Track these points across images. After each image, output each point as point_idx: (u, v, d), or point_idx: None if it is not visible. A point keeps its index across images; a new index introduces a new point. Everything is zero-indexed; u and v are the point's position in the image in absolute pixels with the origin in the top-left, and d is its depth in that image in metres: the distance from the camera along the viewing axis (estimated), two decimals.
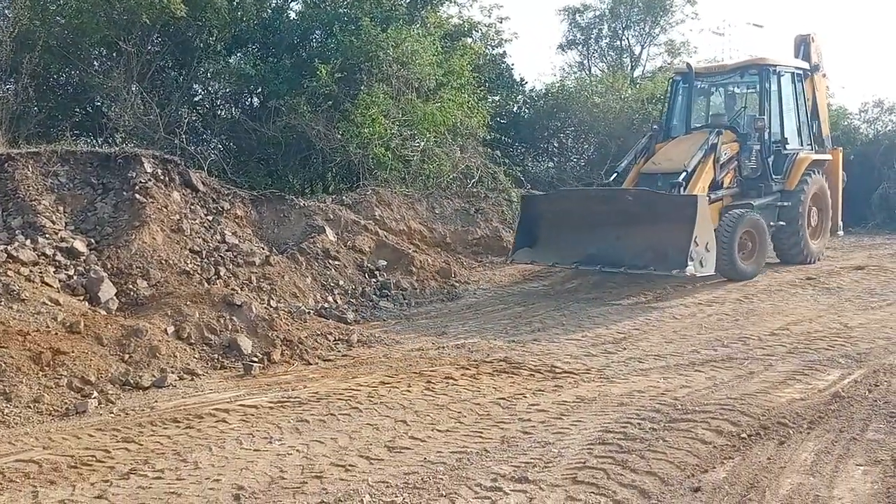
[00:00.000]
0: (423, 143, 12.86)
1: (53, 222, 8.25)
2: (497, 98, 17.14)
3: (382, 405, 5.99)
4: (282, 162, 12.93)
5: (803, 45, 13.46)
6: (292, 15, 14.44)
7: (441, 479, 4.56)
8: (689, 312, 9.22)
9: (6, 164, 8.79)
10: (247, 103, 14.19)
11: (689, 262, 9.14)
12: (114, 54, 12.52)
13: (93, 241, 8.37)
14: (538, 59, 49.86)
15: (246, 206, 10.24)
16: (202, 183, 9.98)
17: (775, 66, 12.12)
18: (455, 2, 15.62)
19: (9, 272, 7.15)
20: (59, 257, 7.72)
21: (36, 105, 12.16)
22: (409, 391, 6.35)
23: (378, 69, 12.66)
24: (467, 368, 7.02)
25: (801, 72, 12.79)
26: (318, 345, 7.82)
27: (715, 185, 11.17)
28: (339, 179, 13.64)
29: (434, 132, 13.00)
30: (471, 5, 17.85)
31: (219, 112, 14.21)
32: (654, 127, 12.52)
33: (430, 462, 4.82)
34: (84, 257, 7.98)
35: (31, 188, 8.55)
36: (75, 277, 7.65)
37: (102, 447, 5.19)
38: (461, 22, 15.78)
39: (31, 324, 6.73)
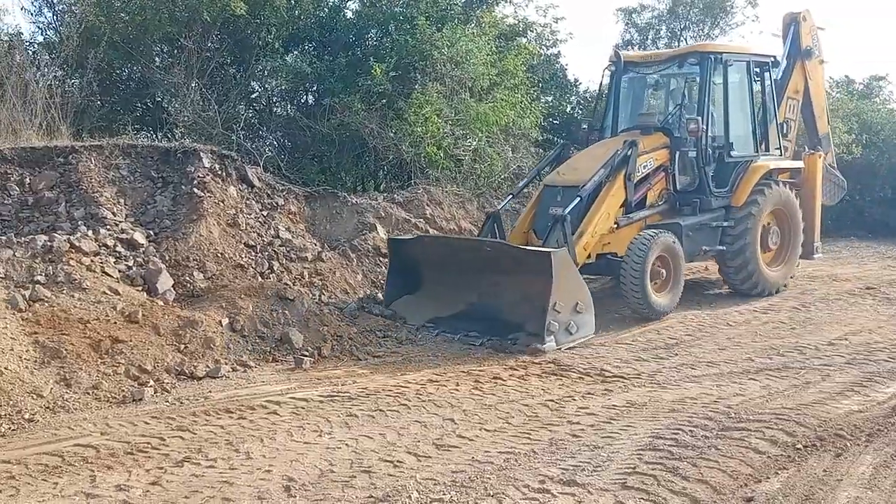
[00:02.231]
0: (475, 143, 12.84)
1: (114, 214, 8.46)
2: (550, 99, 17.01)
3: (430, 403, 6.02)
4: (335, 159, 13.04)
5: (793, 26, 11.53)
6: (349, 14, 14.53)
7: (489, 478, 4.56)
8: (744, 319, 9.04)
9: (70, 157, 9.04)
10: (302, 101, 14.33)
11: (548, 337, 7.44)
12: (175, 51, 12.76)
13: (152, 233, 8.56)
14: (593, 59, 49.40)
15: (299, 203, 10.35)
16: (258, 178, 10.13)
17: (719, 54, 9.94)
18: (511, 2, 15.54)
19: (71, 262, 7.36)
20: (119, 248, 7.93)
21: (99, 99, 12.47)
22: (457, 390, 6.37)
23: (432, 68, 12.67)
24: (515, 369, 7.01)
25: (762, 61, 10.54)
26: (368, 341, 7.89)
27: (636, 205, 9.27)
28: (390, 177, 13.69)
29: (486, 132, 12.96)
30: (526, 5, 17.76)
31: (275, 109, 14.37)
32: (584, 128, 10.86)
33: (478, 461, 4.83)
34: (143, 249, 8.17)
35: (93, 180, 8.78)
36: (134, 268, 7.84)
37: (158, 435, 5.32)
38: (516, 22, 15.69)
39: (91, 312, 6.92)
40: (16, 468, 4.74)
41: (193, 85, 12.14)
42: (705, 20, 20.58)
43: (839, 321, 8.87)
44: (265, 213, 9.76)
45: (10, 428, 5.46)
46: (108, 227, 8.17)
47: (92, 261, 7.51)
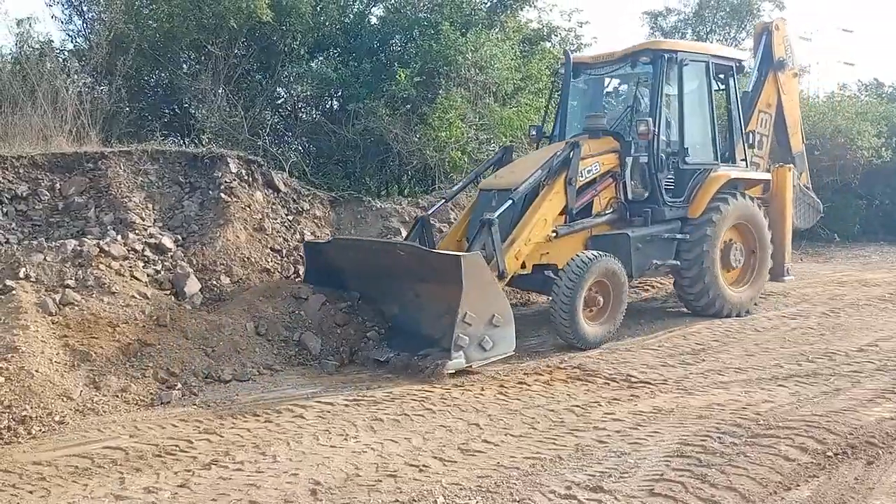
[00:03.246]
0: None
1: (143, 219, 8.57)
2: (575, 103, 16.97)
3: (455, 407, 6.01)
4: (359, 164, 13.10)
5: (765, 36, 10.87)
6: (373, 20, 14.61)
7: (514, 484, 4.55)
8: (772, 325, 8.94)
9: (100, 162, 9.16)
10: (327, 106, 14.41)
11: (455, 353, 6.67)
12: (202, 58, 12.90)
13: (179, 237, 8.66)
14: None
15: (324, 207, 10.42)
16: (283, 184, 10.21)
17: (674, 52, 9.06)
18: (535, 6, 15.53)
19: (100, 266, 7.46)
20: (147, 253, 8.02)
21: (128, 106, 12.62)
22: (482, 394, 6.36)
23: (457, 73, 12.70)
24: (540, 374, 6.98)
25: (724, 64, 9.70)
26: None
27: (579, 213, 8.50)
28: (414, 182, 13.73)
29: (510, 136, 12.97)
30: (550, 10, 17.77)
31: (300, 114, 14.48)
32: (532, 133, 10.10)
33: (504, 466, 4.81)
34: (171, 253, 8.26)
35: (122, 185, 8.90)
36: (162, 272, 7.93)
37: (185, 437, 5.36)
38: (540, 26, 15.68)
39: (120, 316, 7.01)
40: (46, 469, 4.81)
41: (220, 91, 12.27)
42: (731, 23, 20.45)
43: (869, 327, 8.73)
44: (291, 217, 9.84)
45: (40, 430, 5.55)
46: (136, 231, 8.27)
47: (121, 265, 7.60)
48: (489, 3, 14.97)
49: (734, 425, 5.43)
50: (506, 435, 5.40)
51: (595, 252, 8.05)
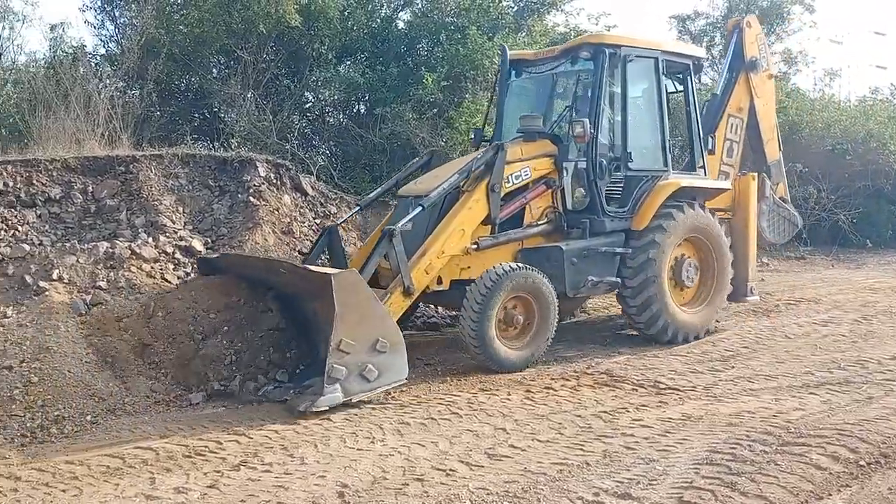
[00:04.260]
0: None
1: (173, 222, 8.67)
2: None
3: (482, 412, 6.00)
4: (386, 168, 13.17)
5: (735, 34, 10.09)
6: (401, 24, 14.72)
7: (541, 489, 4.53)
8: (803, 332, 8.82)
9: (131, 166, 9.29)
10: (354, 110, 14.53)
11: (329, 386, 5.89)
12: (231, 62, 13.09)
13: (209, 240, 8.76)
14: None
15: (351, 210, 10.47)
16: (311, 187, 10.28)
17: (616, 46, 8.16)
18: (562, 10, 15.55)
19: (132, 268, 7.56)
20: (178, 255, 8.11)
21: (158, 110, 12.83)
22: (508, 399, 6.34)
23: (483, 77, 12.73)
24: (567, 379, 6.95)
25: (678, 62, 8.77)
26: (417, 348, 7.90)
27: (507, 223, 7.73)
28: None
29: None
30: (577, 13, 17.71)
31: (327, 119, 14.62)
32: (471, 137, 9.33)
33: (531, 472, 4.80)
34: (201, 256, 8.34)
35: (153, 189, 9.01)
36: (192, 274, 8.01)
37: (215, 439, 5.41)
38: (567, 30, 15.68)
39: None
40: (79, 469, 4.87)
41: (249, 95, 12.42)
42: (761, 27, 20.21)
43: None
44: (318, 221, 9.90)
45: (73, 430, 5.64)
46: (167, 234, 8.37)
47: (152, 267, 7.70)
48: (516, 8, 15.01)
49: (765, 433, 5.37)
50: (532, 440, 5.38)
51: (513, 265, 7.27)
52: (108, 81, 11.92)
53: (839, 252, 15.53)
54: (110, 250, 7.59)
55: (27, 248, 7.66)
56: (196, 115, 14.01)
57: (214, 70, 13.64)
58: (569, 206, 8.05)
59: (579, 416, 5.89)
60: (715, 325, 8.83)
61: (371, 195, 8.89)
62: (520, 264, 7.34)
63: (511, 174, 7.72)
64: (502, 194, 7.61)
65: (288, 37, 13.18)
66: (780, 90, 16.78)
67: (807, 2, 19.76)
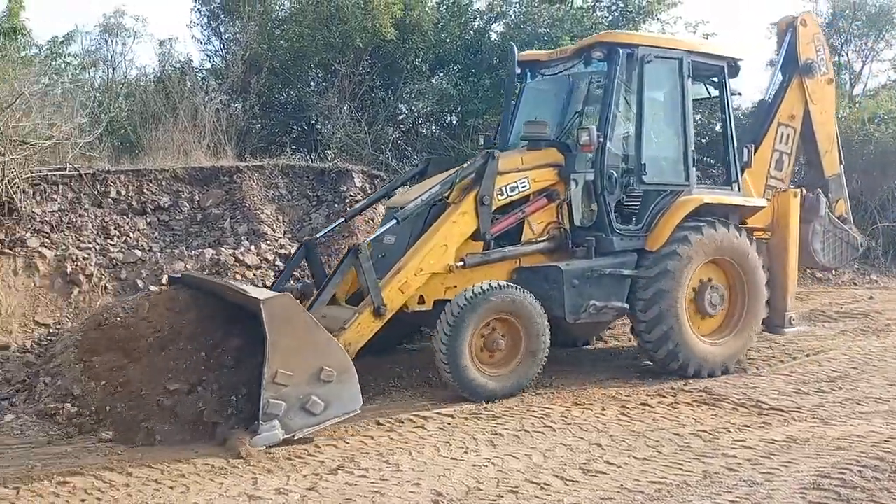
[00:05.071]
0: None
1: (274, 230, 8.98)
2: (698, 117, 16.51)
3: (576, 426, 5.94)
4: None
5: (789, 34, 9.01)
6: (493, 36, 14.77)
7: None
8: None
9: (235, 176, 9.69)
10: (446, 122, 14.67)
11: (265, 423, 5.31)
12: (329, 76, 13.44)
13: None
14: (748, 75, 47.30)
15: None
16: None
17: (634, 46, 7.38)
18: (658, 19, 15.26)
19: (236, 274, 7.86)
20: (278, 262, 8.38)
21: (260, 122, 13.29)
22: (603, 414, 6.25)
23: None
24: (664, 396, 6.80)
25: (710, 63, 7.91)
26: None
27: (501, 238, 7.11)
28: None
29: None
30: (674, 22, 17.33)
31: (420, 130, 14.80)
32: (480, 144, 8.62)
33: (627, 489, 4.71)
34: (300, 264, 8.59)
35: (255, 198, 9.35)
36: (291, 281, 8.24)
37: (314, 443, 5.53)
38: None
39: None
40: (185, 467, 5.07)
41: (345, 108, 12.72)
42: (869, 33, 19.32)
43: None
44: None
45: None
46: (268, 242, 8.67)
47: (254, 274, 7.98)
48: (611, 17, 14.84)
49: (876, 459, 5.10)
50: (629, 457, 5.28)
51: (494, 283, 6.60)
52: (213, 95, 12.45)
53: None
54: (216, 257, 7.92)
55: (139, 253, 8.09)
56: (295, 126, 14.44)
57: (312, 83, 14.03)
58: (576, 222, 7.36)
59: (677, 434, 5.75)
60: (744, 358, 7.90)
61: (357, 206, 8.34)
62: (502, 283, 6.66)
63: (505, 185, 7.07)
64: (494, 207, 6.97)
65: (383, 50, 13.45)
66: (892, 101, 16.01)
67: None
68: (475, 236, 6.90)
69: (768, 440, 5.57)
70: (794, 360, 8.13)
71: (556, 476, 4.94)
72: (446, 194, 6.90)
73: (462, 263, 6.81)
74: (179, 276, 7.30)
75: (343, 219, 8.22)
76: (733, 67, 8.11)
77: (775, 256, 8.36)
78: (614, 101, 7.30)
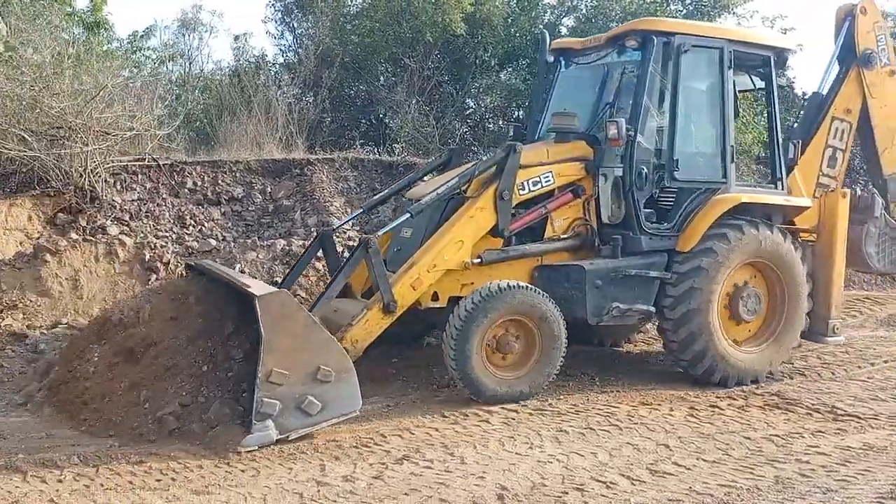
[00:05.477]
0: None
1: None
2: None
3: (643, 426, 5.87)
4: None
5: (847, 22, 8.39)
6: (563, 31, 14.64)
7: None
8: None
9: (305, 168, 9.87)
10: (513, 116, 14.61)
11: (258, 422, 5.14)
12: (398, 70, 13.54)
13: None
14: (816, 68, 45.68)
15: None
16: None
17: (670, 34, 6.95)
18: (734, 13, 14.88)
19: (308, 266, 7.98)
20: (346, 255, 8.48)
21: (330, 116, 13.49)
22: (671, 415, 6.16)
23: None
24: (734, 399, 6.66)
25: (755, 54, 7.44)
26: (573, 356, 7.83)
27: (522, 235, 6.85)
28: None
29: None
30: (751, 16, 16.84)
31: (487, 125, 14.79)
32: (510, 135, 8.20)
33: (696, 492, 4.64)
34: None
35: (325, 190, 9.51)
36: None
37: (379, 432, 5.61)
38: None
39: None
40: (258, 453, 5.19)
41: (414, 102, 12.79)
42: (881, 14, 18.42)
43: None
44: None
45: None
46: (337, 234, 8.79)
47: (323, 265, 8.10)
48: (685, 11, 14.54)
49: None
50: (698, 459, 5.19)
51: (509, 283, 6.31)
52: (286, 89, 12.68)
53: None
54: (286, 247, 8.08)
55: (213, 242, 8.33)
56: (363, 120, 14.59)
57: (382, 78, 14.17)
58: (604, 220, 6.97)
59: (748, 437, 5.63)
60: (781, 367, 7.44)
61: (376, 198, 8.12)
62: (514, 283, 6.34)
63: (527, 180, 6.74)
64: (515, 202, 6.70)
65: (453, 45, 13.48)
66: None
67: None
68: (494, 232, 6.64)
69: (844, 447, 5.41)
70: (871, 365, 7.85)
71: (623, 475, 4.90)
72: (464, 188, 6.64)
73: (479, 260, 6.55)
74: (192, 264, 7.26)
75: (361, 209, 7.99)
76: (781, 57, 7.66)
77: (820, 260, 7.78)
78: (647, 92, 6.90)
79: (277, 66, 14.52)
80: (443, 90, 13.84)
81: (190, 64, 14.81)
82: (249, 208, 9.32)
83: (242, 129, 11.28)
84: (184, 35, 14.79)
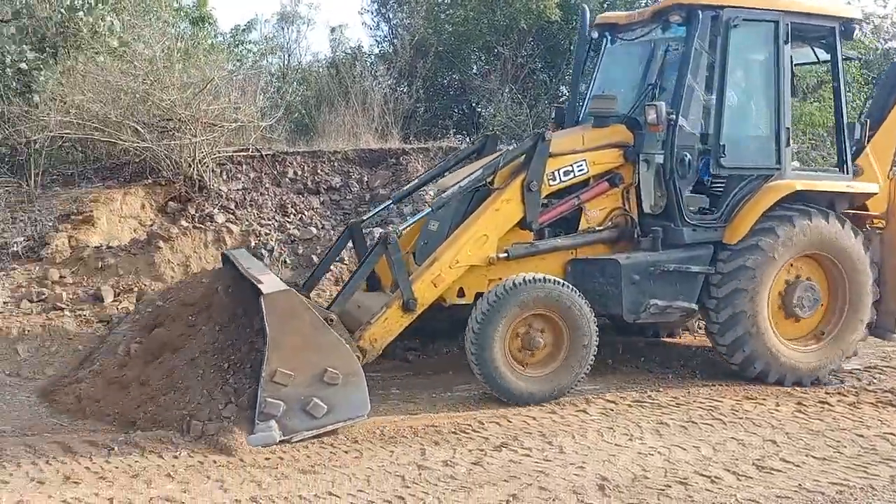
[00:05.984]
0: (796, 146, 11.91)
1: None
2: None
3: (748, 420, 5.72)
4: None
5: None
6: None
7: None
8: None
9: (401, 158, 9.99)
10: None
11: (260, 423, 5.01)
12: (491, 58, 13.52)
13: None
14: None
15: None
16: None
17: (717, 7, 6.37)
18: None
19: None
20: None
21: (423, 105, 13.60)
22: (777, 410, 5.98)
23: None
24: (844, 395, 6.41)
25: (818, 25, 6.80)
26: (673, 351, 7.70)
27: (554, 227, 6.54)
28: None
29: (811, 134, 11.98)
30: None
31: None
32: (552, 117, 7.76)
33: (806, 489, 4.50)
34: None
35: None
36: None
37: (478, 419, 5.67)
38: None
39: None
40: (359, 434, 5.32)
41: (507, 90, 12.74)
42: None
43: None
44: None
45: None
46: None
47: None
48: None
49: None
50: (807, 456, 5.03)
51: (534, 276, 5.92)
52: (381, 79, 12.85)
53: None
54: (383, 236, 8.18)
55: (314, 230, 8.53)
56: (456, 109, 14.64)
57: (475, 66, 14.17)
58: (645, 210, 6.55)
59: (861, 435, 5.41)
60: (843, 367, 6.99)
61: (406, 188, 7.78)
62: (539, 276, 5.94)
63: (558, 169, 6.37)
64: (545, 194, 6.35)
65: (547, 31, 13.34)
66: None
67: None
68: (522, 225, 6.32)
69: None
70: None
71: (728, 470, 4.79)
72: (489, 179, 6.34)
73: (506, 255, 6.25)
74: (226, 251, 7.16)
75: (391, 201, 7.63)
76: (847, 28, 6.92)
77: (888, 250, 7.08)
78: (692, 71, 6.40)
79: (373, 57, 14.72)
80: (536, 78, 13.72)
81: (289, 56, 15.21)
82: (347, 197, 9.50)
83: (340, 119, 11.50)
84: (283, 28, 15.20)
